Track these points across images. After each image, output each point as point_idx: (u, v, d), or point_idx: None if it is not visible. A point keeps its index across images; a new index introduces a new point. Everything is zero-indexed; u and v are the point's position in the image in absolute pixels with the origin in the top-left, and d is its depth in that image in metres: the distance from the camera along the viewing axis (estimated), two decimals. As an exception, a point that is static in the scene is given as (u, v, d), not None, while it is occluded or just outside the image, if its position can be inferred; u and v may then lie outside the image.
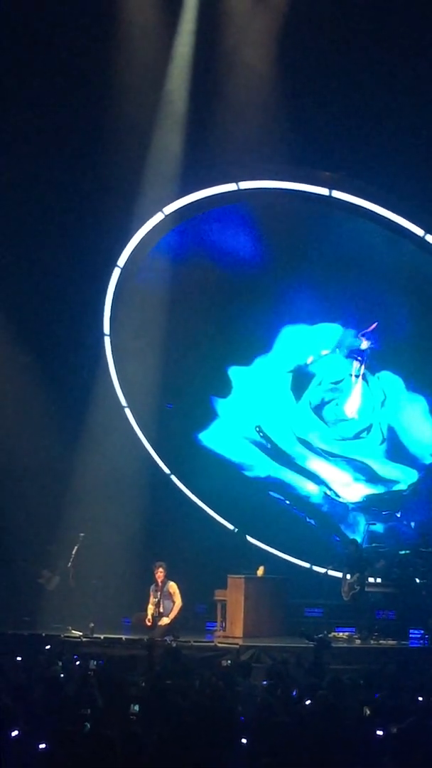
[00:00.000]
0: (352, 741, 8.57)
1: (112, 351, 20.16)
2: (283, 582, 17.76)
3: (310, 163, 19.57)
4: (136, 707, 9.26)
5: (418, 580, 17.41)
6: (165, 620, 16.44)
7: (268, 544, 19.34)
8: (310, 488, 20.01)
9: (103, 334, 20.17)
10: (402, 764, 8.35)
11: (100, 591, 18.10)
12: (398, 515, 19.43)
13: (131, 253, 20.09)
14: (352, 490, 19.89)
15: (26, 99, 18.98)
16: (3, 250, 19.45)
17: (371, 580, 17.61)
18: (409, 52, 18.31)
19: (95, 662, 12.07)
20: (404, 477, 19.70)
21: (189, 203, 20.05)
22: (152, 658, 13.50)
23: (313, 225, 19.80)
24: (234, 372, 20.16)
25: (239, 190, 19.96)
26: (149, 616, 16.51)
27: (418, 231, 19.38)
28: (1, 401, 19.12)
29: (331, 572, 17.97)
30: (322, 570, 18.47)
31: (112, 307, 20.16)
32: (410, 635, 17.11)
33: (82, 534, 18.16)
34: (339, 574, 17.53)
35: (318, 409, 20.09)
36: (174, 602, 16.57)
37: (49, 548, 18.61)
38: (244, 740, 8.69)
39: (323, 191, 19.61)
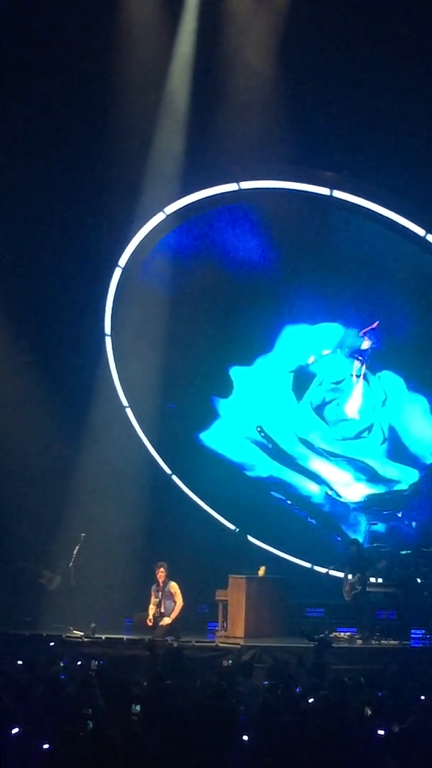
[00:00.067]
0: (354, 741, 8.58)
1: (113, 351, 20.16)
2: (284, 582, 17.75)
3: (311, 163, 19.57)
4: (138, 707, 9.26)
5: (419, 580, 17.39)
6: (166, 620, 16.45)
7: (269, 544, 19.35)
8: (311, 488, 20.01)
9: (104, 334, 20.18)
10: (403, 764, 8.35)
11: (102, 591, 18.12)
12: (399, 515, 19.43)
13: (132, 253, 20.10)
14: (353, 489, 19.89)
15: (27, 99, 18.99)
16: (4, 250, 19.46)
17: (372, 580, 17.59)
18: (410, 53, 18.30)
19: (96, 662, 12.07)
20: (405, 477, 19.69)
21: (190, 203, 20.05)
22: (155, 659, 13.50)
23: (314, 225, 19.79)
24: (235, 372, 20.16)
25: (240, 190, 19.97)
26: (150, 616, 16.52)
27: (419, 231, 19.38)
28: (2, 401, 19.12)
29: (333, 572, 17.95)
30: (323, 570, 18.45)
31: (113, 307, 20.17)
32: (411, 635, 17.10)
33: (83, 534, 18.17)
34: (340, 574, 17.52)
35: (319, 409, 20.09)
36: (175, 602, 16.58)
37: (50, 548, 18.62)
38: (245, 737, 8.70)
39: (324, 191, 19.61)
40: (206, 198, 20.02)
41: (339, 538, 19.59)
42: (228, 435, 20.22)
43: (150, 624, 16.46)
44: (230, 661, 13.60)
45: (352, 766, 8.29)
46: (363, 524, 19.40)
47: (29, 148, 19.04)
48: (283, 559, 19.27)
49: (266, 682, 11.55)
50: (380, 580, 17.79)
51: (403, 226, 19.40)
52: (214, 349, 20.01)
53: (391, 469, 19.75)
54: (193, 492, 19.94)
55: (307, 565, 19.27)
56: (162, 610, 16.53)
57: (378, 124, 18.82)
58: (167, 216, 20.08)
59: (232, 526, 19.49)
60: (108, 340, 20.19)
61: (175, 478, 20.09)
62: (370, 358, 19.73)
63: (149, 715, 9.25)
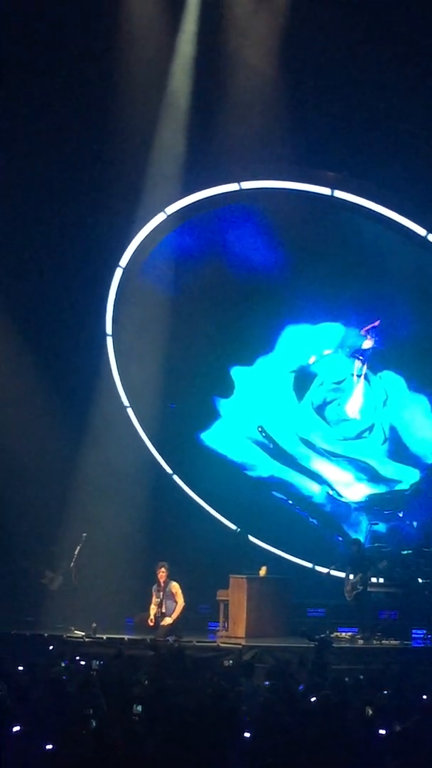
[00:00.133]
0: (355, 741, 8.58)
1: (115, 351, 20.18)
2: (285, 582, 17.75)
3: (312, 163, 19.57)
4: (139, 708, 9.26)
5: (420, 580, 17.38)
6: (167, 620, 16.45)
7: (270, 544, 19.35)
8: (312, 488, 20.01)
9: (105, 335, 20.18)
10: (404, 764, 8.35)
11: (103, 591, 18.13)
12: (400, 515, 19.42)
13: (133, 253, 20.11)
14: (354, 489, 19.89)
15: (28, 99, 19.02)
16: (5, 250, 19.46)
17: (374, 580, 17.59)
18: (411, 52, 18.30)
19: (98, 662, 12.08)
20: (406, 476, 19.69)
21: (191, 203, 20.06)
22: (159, 658, 13.50)
23: (315, 225, 19.79)
24: (236, 372, 20.16)
25: (241, 190, 19.97)
26: (152, 617, 16.52)
27: (420, 231, 19.37)
28: (3, 401, 19.13)
29: (334, 572, 17.95)
30: (324, 570, 18.44)
31: (114, 307, 20.18)
32: (413, 635, 17.10)
33: (84, 534, 18.17)
34: (341, 574, 17.52)
35: (320, 409, 20.09)
36: (176, 602, 16.58)
37: (51, 548, 18.63)
38: (247, 734, 8.71)
39: (325, 191, 19.60)
40: (207, 198, 20.02)
41: (340, 538, 19.59)
42: (229, 435, 20.22)
43: (151, 624, 16.47)
44: (231, 661, 13.60)
45: (353, 766, 8.30)
46: (364, 524, 19.39)
47: (30, 148, 19.05)
48: (284, 559, 19.28)
49: (267, 683, 11.54)
50: (381, 580, 17.78)
51: (404, 226, 19.40)
52: (215, 349, 20.02)
53: (392, 469, 19.75)
54: (194, 492, 19.95)
55: (309, 565, 19.27)
56: (163, 610, 16.53)
57: (379, 123, 18.82)
58: (168, 216, 20.09)
59: (233, 526, 19.49)
60: (109, 341, 20.21)
61: (176, 478, 20.10)
62: (371, 358, 19.73)
63: (150, 715, 9.26)
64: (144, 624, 16.62)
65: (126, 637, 16.64)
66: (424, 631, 16.97)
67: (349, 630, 17.48)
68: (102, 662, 12.37)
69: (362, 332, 19.64)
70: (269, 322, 20.04)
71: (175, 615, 16.53)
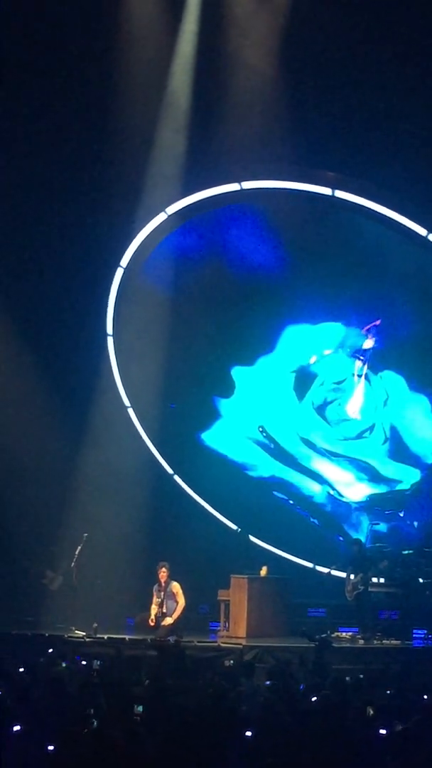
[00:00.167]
0: (355, 741, 8.58)
1: (115, 351, 20.17)
2: (286, 582, 17.75)
3: (312, 162, 19.57)
4: (140, 708, 9.26)
5: (421, 580, 17.40)
6: (168, 620, 16.44)
7: (271, 544, 19.35)
8: (313, 488, 20.01)
9: (106, 335, 20.18)
10: (405, 764, 8.35)
11: (104, 591, 18.13)
12: (401, 515, 19.42)
13: (134, 253, 20.11)
14: (355, 489, 19.89)
15: (28, 99, 19.01)
16: (5, 250, 19.46)
17: (375, 580, 17.60)
18: (412, 52, 18.30)
19: (98, 662, 12.07)
20: (407, 476, 19.69)
21: (192, 203, 20.05)
22: (162, 659, 13.50)
23: (315, 225, 19.79)
24: (237, 372, 20.16)
25: (242, 190, 19.96)
26: (152, 616, 16.52)
27: (421, 231, 19.37)
28: (4, 401, 19.13)
29: (335, 572, 17.96)
30: (325, 570, 18.47)
31: (114, 307, 20.18)
32: (413, 635, 17.10)
33: (85, 534, 18.16)
34: (342, 574, 17.53)
35: (321, 409, 20.09)
36: (177, 602, 16.56)
37: (52, 548, 18.62)
38: (248, 732, 8.71)
39: (326, 191, 19.60)
40: (208, 198, 20.02)
41: (341, 538, 19.59)
42: (230, 435, 20.22)
43: (152, 624, 16.46)
44: (232, 661, 13.60)
45: (353, 766, 8.30)
46: (365, 524, 19.40)
47: (30, 148, 19.05)
48: (285, 559, 19.28)
49: (268, 682, 11.55)
50: (382, 580, 17.79)
51: (405, 226, 19.40)
52: (216, 349, 20.01)
53: (392, 469, 19.76)
54: (194, 492, 19.95)
55: (309, 565, 19.27)
56: (164, 610, 16.52)
57: (379, 123, 18.82)
58: (169, 216, 20.09)
59: (234, 526, 19.49)
60: (110, 341, 20.20)
61: (176, 478, 20.10)
62: (371, 357, 19.73)
63: (151, 715, 9.25)
64: (145, 624, 16.62)
65: (127, 637, 16.64)
66: (425, 631, 16.97)
67: (350, 630, 17.48)
68: (103, 662, 12.36)
69: (363, 331, 19.65)
70: (270, 322, 20.04)
71: (175, 615, 16.52)
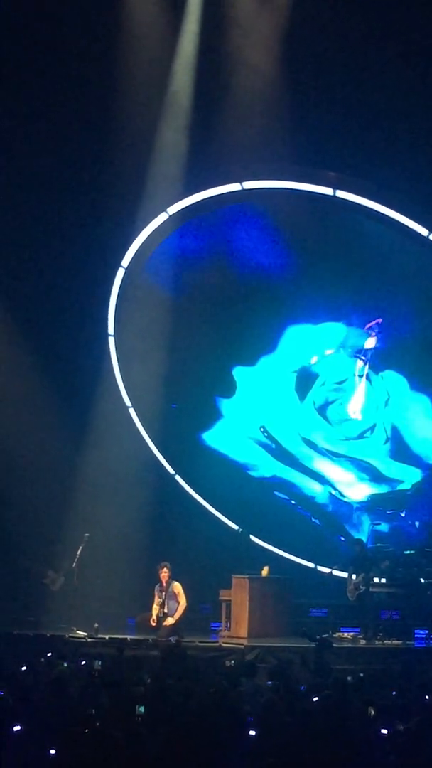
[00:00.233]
0: (357, 741, 8.57)
1: (117, 351, 20.18)
2: (287, 582, 17.75)
3: (313, 162, 19.57)
4: (142, 708, 9.25)
5: (423, 580, 17.40)
6: (170, 620, 16.45)
7: (272, 544, 19.35)
8: (314, 488, 20.01)
9: (107, 335, 20.19)
10: (406, 764, 8.35)
11: (105, 591, 18.13)
12: (403, 515, 19.42)
13: (135, 253, 20.11)
14: (356, 489, 19.89)
15: (30, 99, 19.01)
16: (6, 251, 19.47)
17: (376, 580, 17.59)
18: (413, 53, 18.29)
19: (99, 663, 12.07)
20: (408, 476, 19.69)
21: (193, 203, 20.06)
22: (163, 659, 13.49)
23: (316, 225, 19.79)
24: (238, 372, 20.16)
25: (243, 190, 19.96)
26: (154, 617, 16.52)
27: (422, 230, 19.38)
28: (5, 401, 19.13)
29: (336, 572, 17.96)
30: (327, 570, 18.47)
31: (116, 307, 20.18)
32: (415, 635, 17.10)
33: (86, 534, 18.15)
34: (344, 574, 17.53)
35: (322, 409, 20.09)
36: (178, 602, 16.57)
37: (53, 548, 18.62)
38: (252, 732, 8.71)
39: (327, 191, 19.60)
40: (209, 198, 20.02)
41: (342, 538, 19.59)
42: (231, 435, 20.22)
43: (153, 624, 16.47)
44: (233, 662, 13.59)
45: (355, 766, 8.29)
46: (366, 524, 19.41)
47: (31, 148, 19.05)
48: (286, 559, 19.28)
49: (269, 683, 11.54)
50: (384, 580, 17.78)
51: (406, 226, 19.40)
52: (217, 350, 20.01)
53: (393, 469, 19.75)
54: (196, 492, 19.96)
55: (311, 565, 19.28)
56: (165, 611, 16.52)
57: (380, 123, 18.82)
58: (170, 216, 20.09)
59: (235, 526, 19.48)
60: (111, 341, 20.21)
61: (178, 478, 20.11)
62: (373, 357, 19.74)
63: (152, 715, 9.25)
64: (146, 624, 16.62)
65: (128, 637, 16.63)
66: (427, 631, 16.97)
67: (352, 630, 17.48)
68: (104, 662, 12.35)
69: (365, 329, 19.64)
70: (271, 322, 20.04)
71: (177, 615, 16.52)
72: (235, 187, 19.94)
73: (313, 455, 20.04)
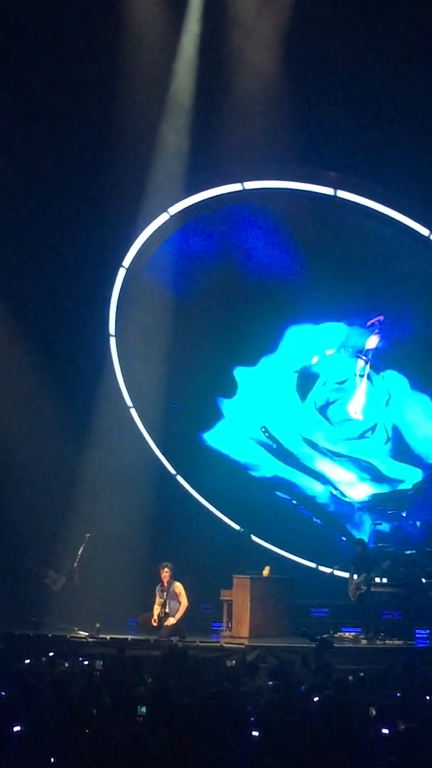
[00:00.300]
0: (358, 741, 8.57)
1: (118, 351, 20.18)
2: (289, 582, 17.75)
3: (315, 163, 19.57)
4: (143, 709, 9.25)
5: (424, 580, 17.39)
6: (171, 620, 16.46)
7: (273, 544, 19.35)
8: (316, 488, 20.01)
9: (108, 335, 20.18)
10: (408, 764, 8.35)
11: (106, 591, 18.12)
12: (404, 514, 19.42)
13: (136, 253, 20.11)
14: (357, 489, 19.89)
15: (31, 99, 19.01)
16: (8, 251, 19.47)
17: (377, 579, 17.58)
18: (415, 53, 18.28)
19: (101, 663, 12.07)
20: (409, 476, 19.69)
21: (194, 204, 20.06)
22: (164, 659, 13.49)
23: (318, 225, 19.78)
24: (239, 372, 20.16)
25: (244, 190, 19.96)
26: (155, 617, 16.53)
27: (424, 231, 19.37)
28: (6, 402, 19.13)
29: (337, 572, 17.96)
30: (328, 570, 18.45)
31: (117, 307, 20.18)
32: (416, 635, 17.09)
33: (88, 534, 18.16)
34: (345, 574, 17.53)
35: (323, 409, 20.09)
36: (180, 602, 16.58)
37: (55, 548, 18.62)
38: (255, 732, 8.71)
39: (328, 191, 19.60)
40: (211, 198, 20.03)
41: (344, 538, 19.59)
42: (232, 435, 20.22)
43: (154, 624, 16.47)
44: (234, 662, 13.59)
45: (356, 766, 8.29)
46: (367, 524, 19.40)
47: (32, 148, 19.06)
48: (287, 559, 19.28)
49: (270, 683, 11.54)
50: (385, 580, 17.77)
51: (408, 226, 19.40)
52: (218, 350, 20.01)
53: (394, 469, 19.75)
54: (197, 492, 19.96)
55: (312, 565, 19.27)
56: (166, 611, 16.54)
57: (382, 124, 18.81)
58: (171, 216, 20.09)
59: (236, 526, 19.49)
60: (112, 341, 20.21)
61: (179, 478, 20.11)
62: (374, 357, 19.74)
63: (153, 715, 9.25)
64: (147, 624, 16.63)
65: (129, 637, 16.63)
66: (428, 631, 16.96)
67: (353, 630, 17.47)
68: (105, 662, 12.35)
69: (367, 325, 19.63)
70: (272, 322, 20.04)
71: (178, 615, 16.53)
72: (236, 187, 19.94)
73: (314, 455, 20.05)
